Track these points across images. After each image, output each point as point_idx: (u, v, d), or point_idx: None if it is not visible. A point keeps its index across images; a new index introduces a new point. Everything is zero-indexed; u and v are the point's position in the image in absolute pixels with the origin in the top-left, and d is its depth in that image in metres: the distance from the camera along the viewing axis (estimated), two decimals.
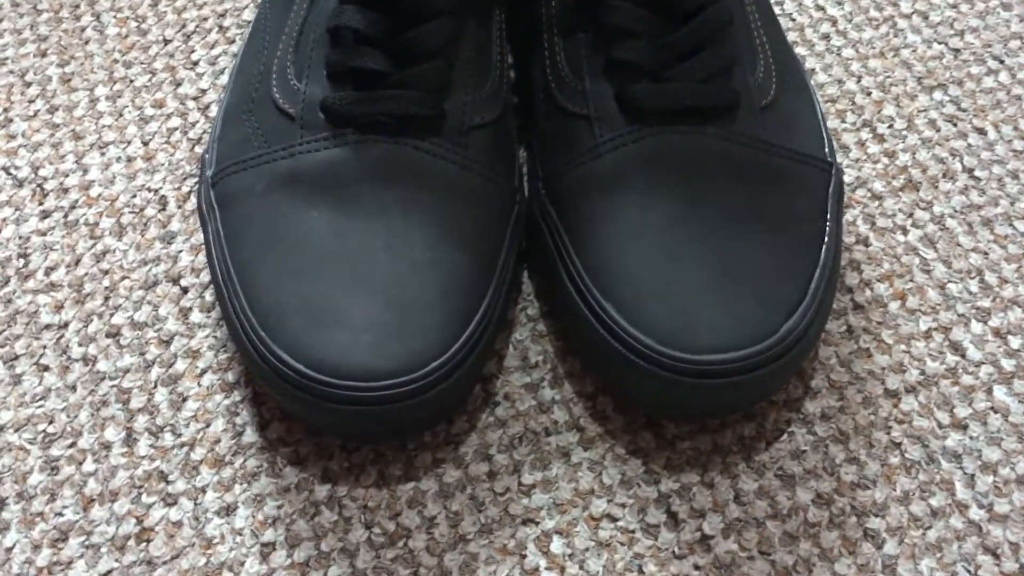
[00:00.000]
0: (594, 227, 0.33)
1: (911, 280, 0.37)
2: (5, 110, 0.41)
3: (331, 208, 0.32)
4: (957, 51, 0.44)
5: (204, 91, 0.42)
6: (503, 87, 0.36)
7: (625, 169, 0.33)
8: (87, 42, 0.44)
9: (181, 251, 0.37)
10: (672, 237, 0.32)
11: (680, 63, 0.33)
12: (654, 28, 0.33)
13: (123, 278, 0.37)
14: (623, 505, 0.32)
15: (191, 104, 0.42)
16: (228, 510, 0.31)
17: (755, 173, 0.33)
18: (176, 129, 0.41)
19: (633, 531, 0.31)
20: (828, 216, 0.34)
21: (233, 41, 0.44)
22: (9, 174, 0.39)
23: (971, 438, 0.33)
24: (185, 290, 0.36)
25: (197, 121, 0.41)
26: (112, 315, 0.36)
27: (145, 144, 0.40)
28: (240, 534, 0.31)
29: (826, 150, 0.35)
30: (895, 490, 0.32)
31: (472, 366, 0.31)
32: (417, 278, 0.31)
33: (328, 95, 0.33)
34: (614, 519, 0.32)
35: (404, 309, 0.30)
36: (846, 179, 0.40)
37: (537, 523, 0.31)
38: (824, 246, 0.33)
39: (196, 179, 0.39)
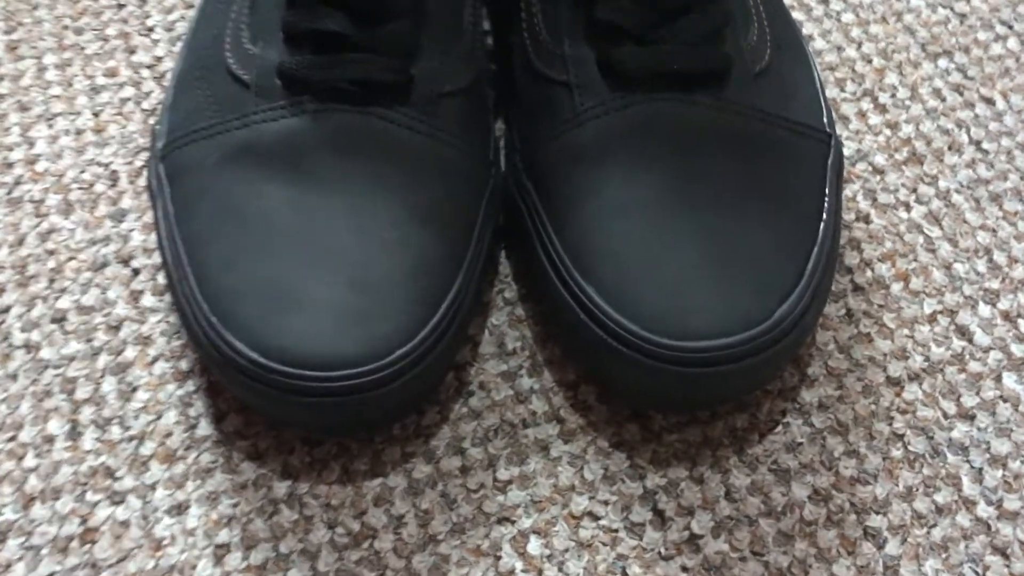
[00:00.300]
0: (574, 203, 0.30)
1: (915, 260, 0.35)
2: None
3: (289, 182, 0.29)
4: (963, 16, 0.42)
5: (160, 59, 0.39)
6: (476, 51, 0.33)
7: (608, 140, 0.30)
8: (35, 7, 0.41)
9: (132, 230, 0.35)
10: (658, 214, 0.29)
11: (667, 24, 0.30)
12: None
13: (70, 259, 0.34)
14: (606, 502, 0.30)
15: (145, 73, 0.39)
16: (179, 509, 0.29)
17: (748, 144, 0.31)
18: (129, 100, 0.38)
19: (616, 530, 0.29)
20: (827, 191, 0.31)
21: (192, 5, 0.41)
22: None
23: (979, 429, 0.31)
24: (136, 272, 0.34)
25: (152, 91, 0.38)
26: (57, 299, 0.33)
27: (96, 116, 0.38)
28: (192, 535, 0.29)
29: (824, 120, 0.33)
30: (897, 485, 0.30)
31: (443, 352, 0.29)
32: (383, 258, 0.28)
33: (285, 60, 0.30)
34: (596, 517, 0.29)
35: (368, 291, 0.28)
36: (846, 152, 0.38)
37: (513, 522, 0.29)
38: (822, 223, 0.30)
39: (149, 152, 0.36)
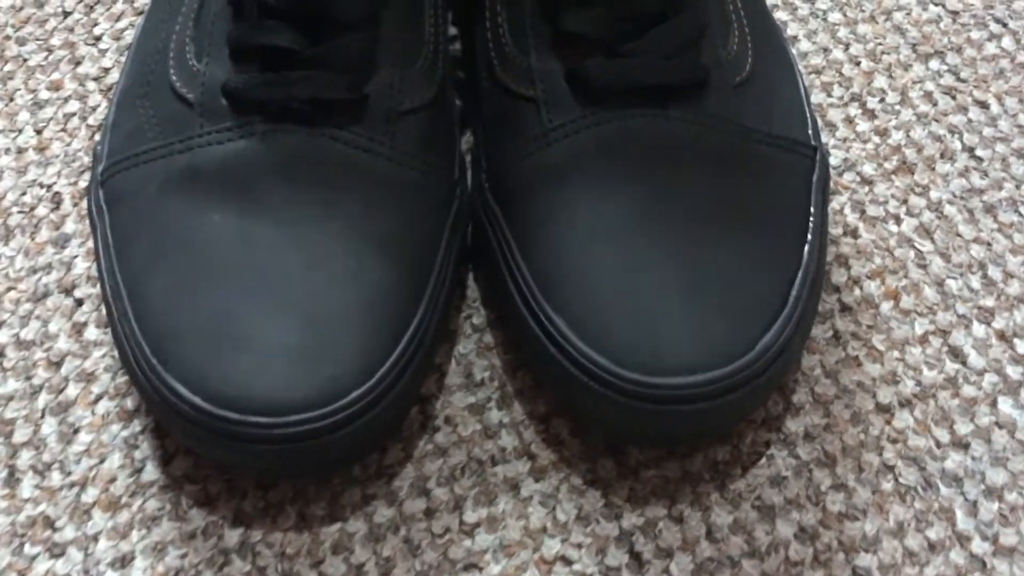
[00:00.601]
0: (542, 228, 0.28)
1: (905, 276, 0.33)
2: None
3: (235, 211, 0.27)
4: (955, 13, 0.40)
5: (107, 70, 0.37)
6: (439, 63, 0.31)
7: (577, 160, 0.28)
8: None
9: (76, 256, 0.33)
10: (631, 240, 0.27)
11: (639, 35, 0.28)
12: None
13: (8, 289, 0.32)
14: (579, 545, 0.28)
15: (91, 86, 0.37)
16: (124, 561, 0.27)
17: (728, 162, 0.29)
18: (74, 115, 0.36)
19: (590, 575, 0.27)
20: (812, 209, 0.29)
21: (141, 12, 0.39)
22: None
23: (973, 459, 0.30)
24: (79, 302, 0.32)
25: (98, 105, 0.36)
26: None
27: (38, 132, 0.36)
28: None
29: (809, 132, 0.31)
30: (888, 521, 0.28)
31: (403, 390, 0.27)
32: (336, 292, 0.27)
33: (231, 78, 0.28)
34: (569, 562, 0.28)
35: (320, 329, 0.26)
36: (832, 161, 0.36)
37: (481, 568, 0.27)
38: (807, 245, 0.29)
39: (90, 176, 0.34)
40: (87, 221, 0.33)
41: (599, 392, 0.26)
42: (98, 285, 0.32)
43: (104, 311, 0.31)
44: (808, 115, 0.32)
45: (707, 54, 0.29)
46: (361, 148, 0.28)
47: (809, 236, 0.29)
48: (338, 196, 0.28)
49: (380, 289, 0.27)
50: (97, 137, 0.35)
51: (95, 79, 0.37)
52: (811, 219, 0.29)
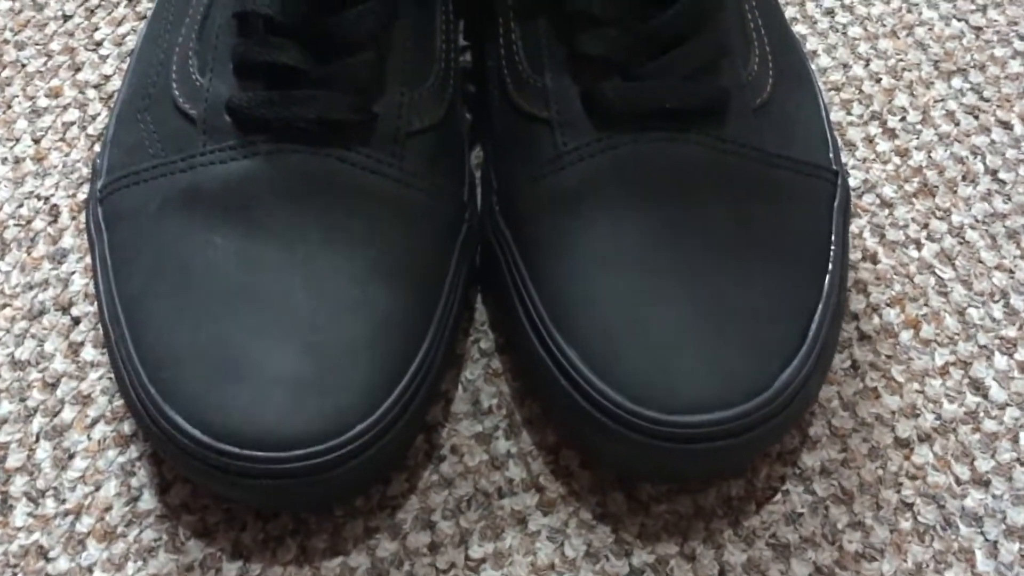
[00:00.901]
0: (554, 255, 0.27)
1: (925, 304, 0.32)
2: None
3: (238, 234, 0.26)
4: (979, 29, 0.39)
5: (108, 77, 0.36)
6: (450, 82, 0.30)
7: (592, 185, 0.27)
8: None
9: (74, 273, 0.32)
10: (647, 270, 0.26)
11: (658, 56, 0.27)
12: (628, 14, 0.27)
13: (3, 306, 0.31)
14: None
15: (92, 93, 0.36)
16: None
17: (747, 188, 0.28)
18: (73, 124, 0.35)
19: None
20: (833, 238, 0.28)
21: (144, 16, 0.38)
22: None
23: (994, 497, 0.29)
24: (77, 321, 0.31)
25: (98, 114, 0.35)
26: None
27: (36, 142, 0.35)
28: None
29: (831, 155, 0.30)
30: (906, 561, 0.28)
31: (409, 422, 0.26)
32: (342, 320, 0.26)
33: (235, 95, 0.27)
34: None
35: (325, 358, 0.25)
36: (852, 183, 0.35)
37: None
38: (828, 275, 0.28)
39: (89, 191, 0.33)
40: (85, 235, 0.32)
41: (611, 428, 0.25)
42: (95, 304, 0.31)
43: (101, 331, 0.31)
44: (829, 137, 0.31)
45: (727, 76, 0.28)
46: (368, 169, 0.27)
47: (830, 266, 0.28)
48: (344, 219, 0.27)
49: (386, 318, 0.26)
50: (97, 148, 0.34)
51: (95, 86, 0.36)
52: (832, 248, 0.28)
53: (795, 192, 0.28)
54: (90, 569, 0.27)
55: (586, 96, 0.28)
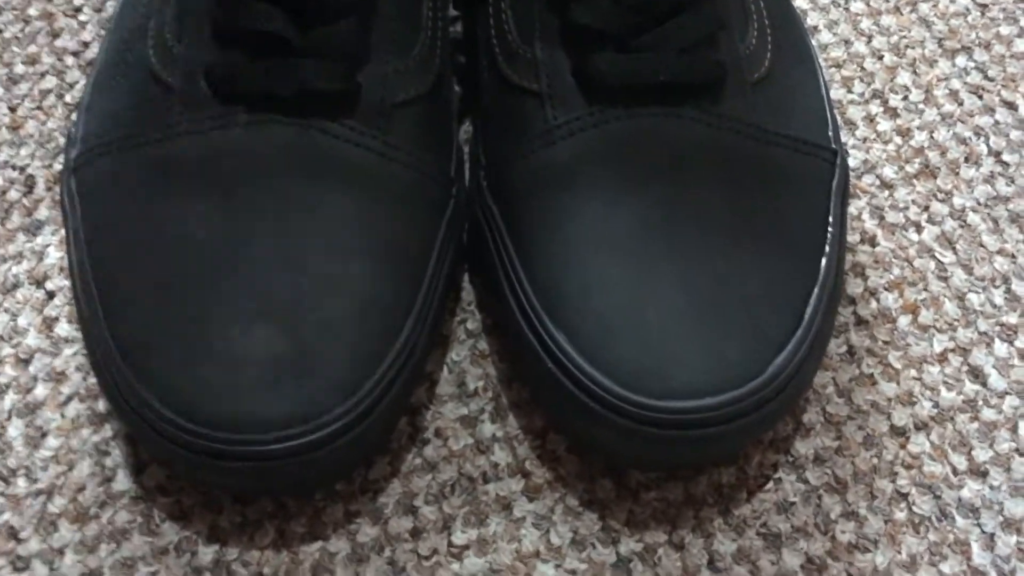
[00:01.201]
0: (543, 234, 0.26)
1: (925, 289, 0.31)
2: None
3: (214, 207, 0.25)
4: (984, 7, 0.38)
5: (87, 44, 0.35)
6: (437, 51, 0.29)
7: (583, 162, 0.26)
8: None
9: (49, 245, 0.31)
10: (639, 251, 0.25)
11: (653, 28, 0.26)
12: None
13: None
14: (574, 572, 0.26)
15: (70, 60, 0.35)
16: None
17: (743, 166, 0.27)
18: (50, 92, 0.34)
19: None
20: (830, 219, 0.28)
21: None
22: None
23: (991, 488, 0.28)
24: (51, 295, 0.30)
25: (76, 82, 0.34)
26: None
27: (12, 110, 0.33)
28: None
29: (830, 133, 0.29)
30: (900, 553, 0.27)
31: (391, 404, 0.25)
32: (322, 298, 0.25)
33: (214, 62, 0.26)
34: None
35: (304, 338, 0.24)
36: (851, 163, 0.34)
37: None
38: (824, 258, 0.27)
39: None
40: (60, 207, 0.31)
41: (600, 414, 0.24)
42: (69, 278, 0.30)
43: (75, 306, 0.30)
44: (829, 115, 0.30)
45: (724, 50, 0.27)
46: (352, 142, 0.26)
47: (827, 248, 0.27)
48: (326, 194, 0.26)
49: (368, 297, 0.25)
50: (75, 117, 0.33)
51: (74, 54, 0.35)
52: (830, 229, 0.27)
53: (792, 172, 0.28)
54: (61, 551, 0.26)
55: (577, 68, 0.27)
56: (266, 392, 0.23)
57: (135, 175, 0.26)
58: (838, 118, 0.33)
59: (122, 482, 0.27)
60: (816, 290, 0.26)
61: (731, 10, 0.28)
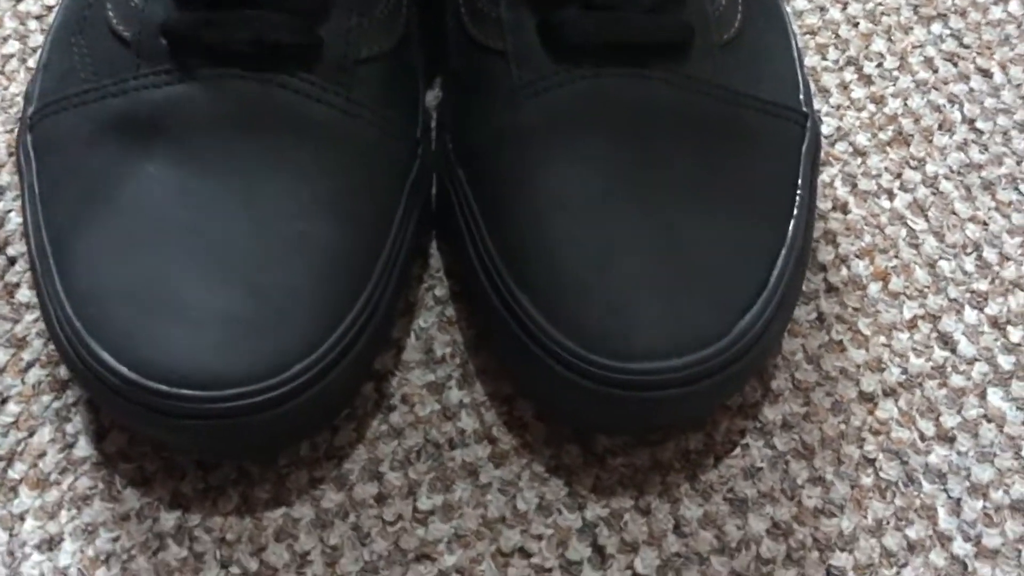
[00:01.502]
0: (508, 196, 0.26)
1: (896, 256, 0.31)
2: None
3: (172, 163, 0.25)
4: None
5: (50, 8, 0.34)
6: (402, 9, 0.28)
7: (547, 123, 0.26)
8: None
9: (11, 211, 0.30)
10: (604, 213, 0.25)
11: None
12: None
13: None
14: (539, 537, 0.26)
15: (33, 24, 0.34)
16: (51, 543, 0.26)
17: (711, 128, 0.27)
18: (12, 56, 0.33)
19: (550, 570, 0.26)
20: (799, 182, 0.27)
21: None
22: None
23: (959, 453, 0.28)
24: (12, 261, 0.30)
25: (39, 46, 0.33)
26: None
27: None
28: (65, 574, 0.25)
29: (801, 97, 0.29)
30: (866, 518, 0.27)
31: (352, 364, 0.25)
32: (282, 256, 0.24)
33: (172, 16, 0.26)
34: (528, 555, 0.26)
35: (262, 296, 0.24)
36: (824, 130, 0.33)
37: (434, 559, 0.26)
38: (792, 221, 0.27)
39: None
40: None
41: (565, 376, 0.24)
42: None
43: (28, 265, 0.29)
44: (800, 79, 0.29)
45: (693, 9, 0.27)
46: (313, 98, 0.26)
47: (795, 211, 0.27)
48: (286, 150, 0.26)
49: (328, 256, 0.25)
50: None
51: (37, 17, 0.34)
52: (799, 192, 0.27)
53: (761, 133, 0.27)
54: (22, 516, 0.26)
55: (542, 26, 0.26)
56: (223, 350, 0.23)
57: (91, 130, 0.26)
58: (811, 85, 0.33)
59: (83, 448, 0.27)
60: (784, 252, 0.26)
61: None
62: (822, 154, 0.32)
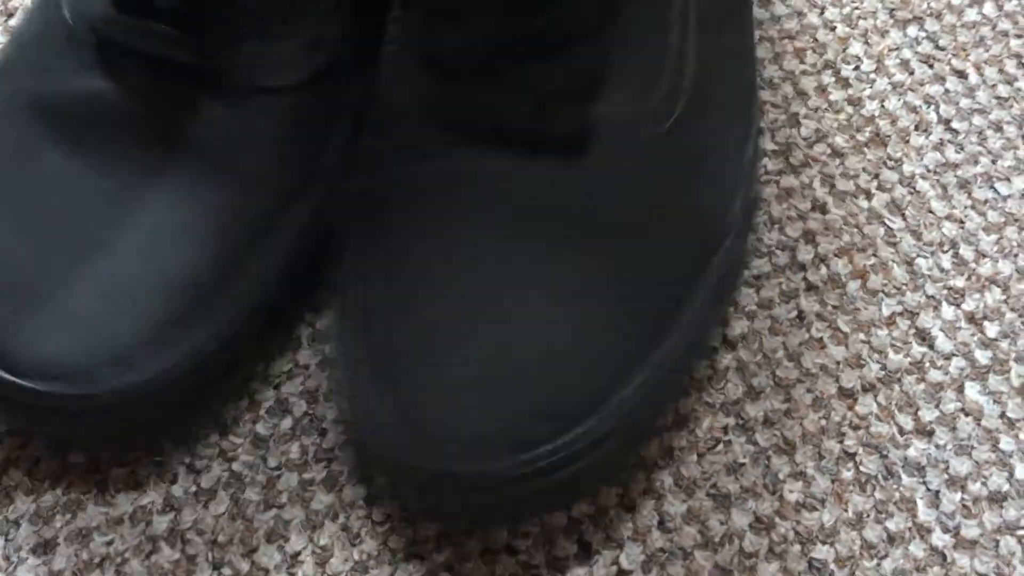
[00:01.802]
0: (367, 264, 0.26)
1: (874, 255, 0.32)
2: None
3: (65, 153, 0.25)
4: None
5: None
6: (329, 36, 0.27)
7: (411, 197, 0.25)
8: None
9: None
10: (445, 302, 0.24)
11: (516, 67, 0.24)
12: (498, 4, 0.24)
13: None
14: (526, 534, 0.27)
15: None
16: (46, 547, 0.26)
17: (601, 227, 0.25)
18: None
19: (537, 566, 0.26)
20: (683, 302, 0.25)
21: None
22: None
23: (937, 447, 0.29)
24: None
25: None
26: None
27: None
28: None
29: (738, 203, 0.27)
30: (847, 511, 0.27)
31: (195, 370, 0.26)
32: (140, 259, 0.25)
33: (101, 13, 0.26)
34: (514, 551, 0.27)
35: (115, 296, 0.25)
36: (803, 132, 0.34)
37: (423, 559, 0.26)
38: (660, 348, 0.25)
39: None
40: None
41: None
42: None
43: None
44: (743, 176, 0.27)
45: (611, 100, 0.25)
46: (203, 120, 0.26)
47: (670, 334, 0.25)
48: (175, 163, 0.26)
49: (174, 275, 0.25)
50: None
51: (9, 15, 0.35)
52: (684, 310, 0.25)
53: (660, 240, 0.25)
54: (17, 522, 0.26)
55: (434, 95, 0.25)
56: (72, 343, 0.24)
57: (6, 103, 0.26)
58: (790, 90, 0.34)
59: (77, 455, 0.27)
60: (639, 375, 0.24)
61: (635, 51, 0.25)
62: (801, 156, 0.33)
